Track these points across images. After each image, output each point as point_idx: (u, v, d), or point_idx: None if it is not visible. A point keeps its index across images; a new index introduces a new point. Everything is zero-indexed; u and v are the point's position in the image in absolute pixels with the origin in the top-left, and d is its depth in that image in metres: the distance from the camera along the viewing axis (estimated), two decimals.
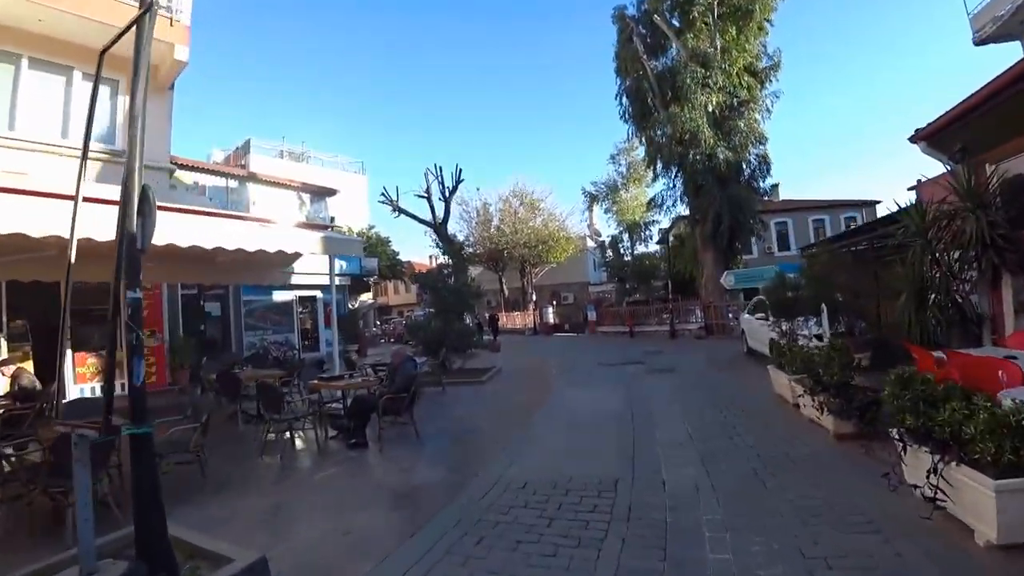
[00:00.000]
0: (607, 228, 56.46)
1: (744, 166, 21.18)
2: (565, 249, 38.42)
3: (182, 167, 20.15)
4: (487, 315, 26.17)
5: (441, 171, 21.76)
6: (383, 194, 21.94)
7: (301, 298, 22.75)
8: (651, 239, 30.63)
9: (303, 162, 38.35)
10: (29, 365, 12.00)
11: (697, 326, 21.18)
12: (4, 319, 11.54)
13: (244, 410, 9.15)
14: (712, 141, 20.15)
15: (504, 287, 41.66)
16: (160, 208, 3.65)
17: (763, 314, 12.08)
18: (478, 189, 40.30)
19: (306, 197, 23.93)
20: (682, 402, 8.88)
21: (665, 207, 23.27)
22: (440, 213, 22.02)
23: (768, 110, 21.84)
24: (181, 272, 10.34)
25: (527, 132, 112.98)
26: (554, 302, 41.01)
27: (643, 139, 24.14)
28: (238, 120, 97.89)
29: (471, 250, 41.25)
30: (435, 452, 6.90)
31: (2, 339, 11.63)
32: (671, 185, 23.01)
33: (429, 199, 21.23)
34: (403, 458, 6.65)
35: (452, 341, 13.72)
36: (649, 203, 23.57)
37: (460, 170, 21.83)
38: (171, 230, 6.49)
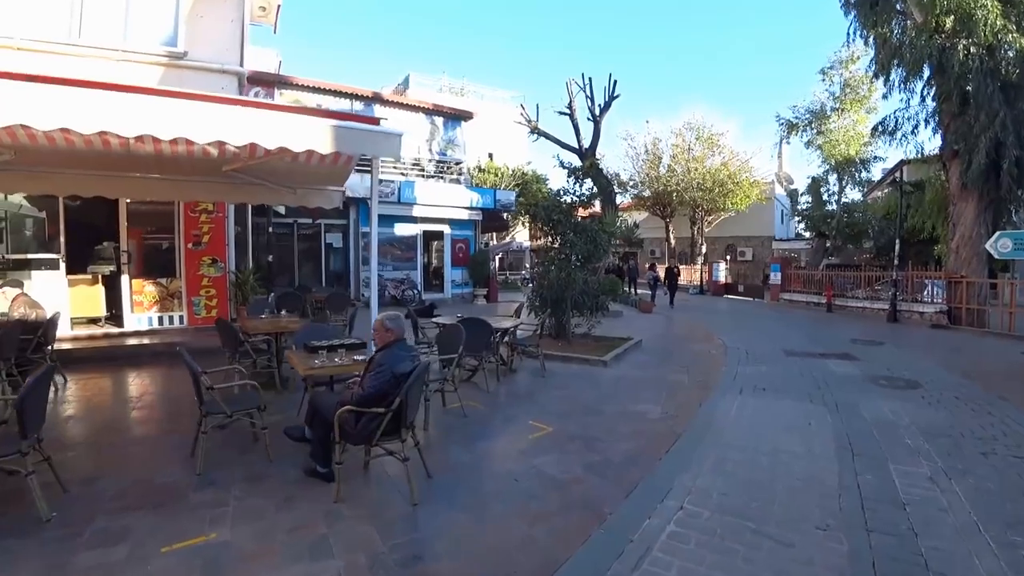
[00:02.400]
0: (807, 167, 46.66)
1: None
2: (748, 195, 31.77)
3: (302, 88, 18.40)
4: (666, 267, 20.73)
5: (591, 84, 17.44)
6: (521, 113, 18.30)
7: (426, 232, 20.49)
8: (863, 185, 22.91)
9: (463, 96, 36.29)
10: (96, 290, 10.87)
11: (935, 309, 14.81)
12: (62, 239, 10.23)
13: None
14: (997, 23, 13.09)
15: (671, 236, 36.30)
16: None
17: None
18: (647, 122, 34.94)
19: (439, 121, 21.20)
20: (970, 478, 4.30)
21: (900, 134, 16.38)
22: (587, 137, 17.88)
23: None
24: (166, 188, 7.88)
25: (709, 51, 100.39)
26: (728, 257, 34.85)
27: (871, 39, 17.19)
28: (408, 57, 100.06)
29: (634, 191, 36.38)
30: (419, 540, 3.38)
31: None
32: (914, 99, 16.06)
33: (572, 116, 17.14)
34: (352, 541, 3.26)
35: (575, 299, 10.01)
36: (874, 129, 16.83)
37: (615, 83, 17.35)
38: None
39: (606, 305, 10.86)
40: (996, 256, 13.77)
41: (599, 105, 17.55)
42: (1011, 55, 13.28)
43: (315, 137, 5.20)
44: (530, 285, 18.33)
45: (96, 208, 10.30)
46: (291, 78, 18.82)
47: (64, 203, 10.18)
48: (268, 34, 25.29)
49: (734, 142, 32.57)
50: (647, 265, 29.12)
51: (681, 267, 30.76)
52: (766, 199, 34.44)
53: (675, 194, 32.85)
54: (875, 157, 21.70)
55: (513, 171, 39.51)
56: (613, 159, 36.88)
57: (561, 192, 10.30)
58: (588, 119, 17.51)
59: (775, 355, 10.20)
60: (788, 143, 23.09)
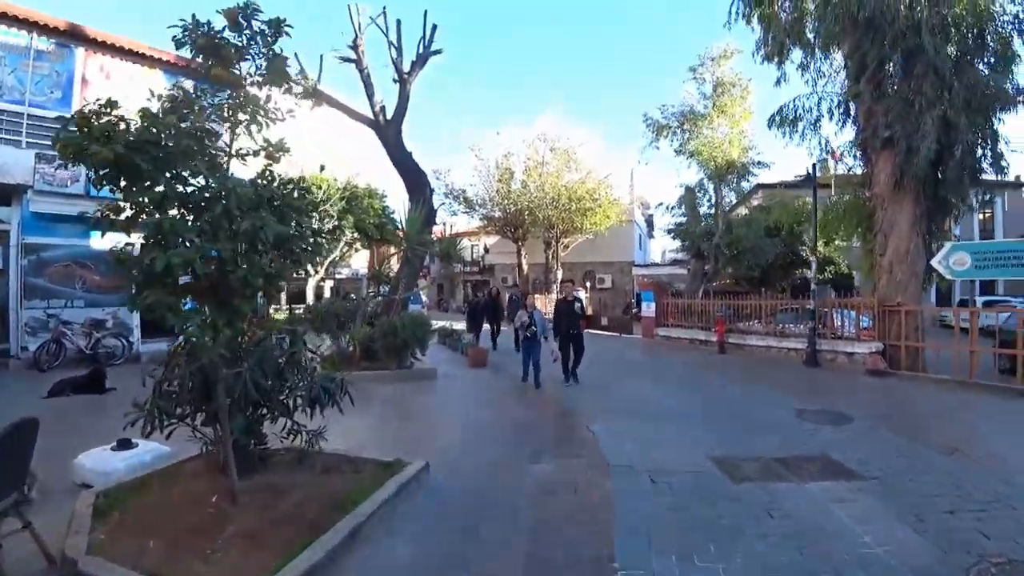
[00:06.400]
0: (675, 177, 44.38)
1: (987, 36, 10.51)
2: (607, 214, 28.10)
3: None
4: (560, 298, 12.81)
5: (398, 28, 11.75)
6: (300, 73, 11.93)
7: None
8: (740, 195, 19.63)
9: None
10: None
11: (869, 349, 10.84)
12: None
13: None
14: None
15: (523, 262, 31.71)
16: None
17: None
18: (497, 133, 30.36)
19: (189, 85, 14.17)
20: None
21: (802, 125, 12.74)
22: (386, 102, 12.10)
23: None
24: None
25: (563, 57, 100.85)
26: (587, 284, 30.88)
27: (757, 19, 13.65)
28: None
29: (482, 210, 31.50)
30: None
31: None
32: (824, 78, 12.47)
33: (359, 65, 11.19)
34: None
35: (254, 384, 3.81)
36: (771, 121, 13.09)
37: (433, 28, 11.80)
38: None
39: (340, 390, 4.73)
40: (949, 276, 10.12)
41: (411, 61, 11.86)
42: (957, 9, 9.82)
43: None
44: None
45: None
46: None
47: None
48: None
49: (593, 158, 29.02)
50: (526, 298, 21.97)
51: (536, 297, 25.53)
52: (627, 220, 31.29)
53: (527, 213, 28.41)
54: (758, 162, 18.66)
55: (343, 185, 32.95)
56: (461, 174, 31.90)
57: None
58: (394, 80, 11.72)
59: (705, 480, 4.87)
60: (657, 148, 19.34)
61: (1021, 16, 10.38)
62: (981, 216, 26.46)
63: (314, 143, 36.09)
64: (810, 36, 12.79)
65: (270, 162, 3.85)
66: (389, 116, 11.48)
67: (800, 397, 8.51)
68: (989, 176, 11.43)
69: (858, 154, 12.21)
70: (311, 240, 3.83)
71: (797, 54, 13.25)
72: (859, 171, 12.43)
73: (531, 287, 30.13)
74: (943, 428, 6.94)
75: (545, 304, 19.60)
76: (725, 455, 5.54)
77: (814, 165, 12.21)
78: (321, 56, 11.24)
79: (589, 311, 23.71)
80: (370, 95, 11.18)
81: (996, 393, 8.76)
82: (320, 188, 31.15)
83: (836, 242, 18.00)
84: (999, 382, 9.13)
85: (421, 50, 11.79)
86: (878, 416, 7.46)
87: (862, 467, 5.24)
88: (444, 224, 34.54)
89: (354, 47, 10.84)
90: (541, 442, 6.06)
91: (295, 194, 3.73)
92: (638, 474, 4.94)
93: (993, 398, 8.51)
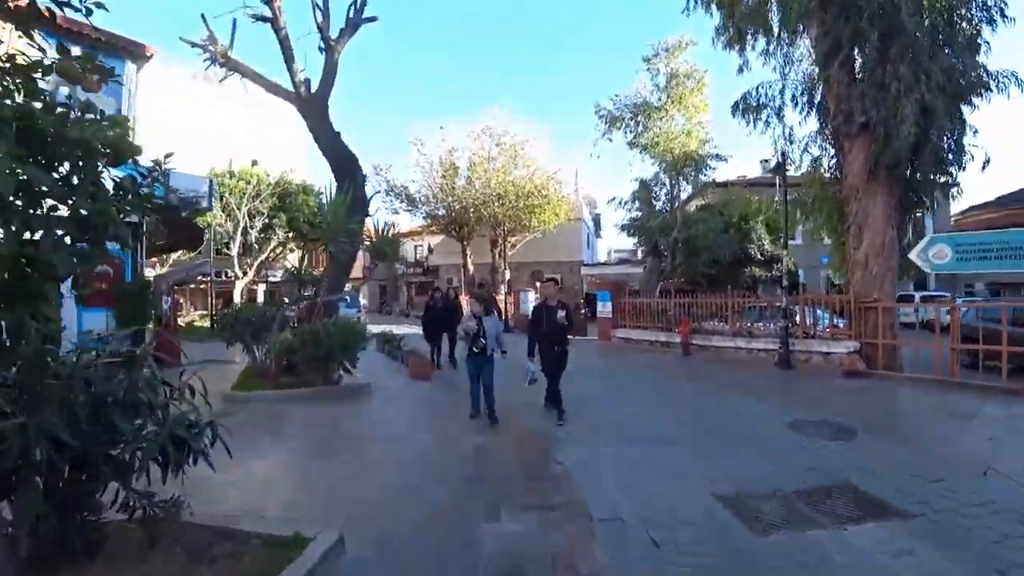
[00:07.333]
0: (628, 173, 43.57)
1: (956, 23, 10.04)
2: (556, 212, 27.07)
3: None
4: (537, 301, 11.13)
5: None
6: (205, 39, 10.15)
7: None
8: (699, 185, 18.96)
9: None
10: None
11: (847, 349, 10.14)
12: None
13: None
14: None
15: (469, 262, 30.30)
16: None
17: None
18: (441, 127, 28.76)
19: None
20: None
21: (766, 113, 12.07)
22: (309, 70, 10.57)
23: None
24: None
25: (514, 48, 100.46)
26: (536, 284, 29.78)
27: (716, 5, 12.96)
28: None
29: (426, 208, 29.95)
30: None
31: None
32: (788, 65, 11.83)
33: (275, 24, 9.56)
34: None
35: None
36: (734, 107, 12.37)
37: None
38: None
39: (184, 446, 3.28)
40: (928, 269, 9.53)
41: (339, 27, 10.37)
42: None
43: None
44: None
45: None
46: None
47: None
48: None
49: (541, 153, 27.92)
50: (466, 299, 18.44)
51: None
52: (575, 218, 30.44)
53: (473, 210, 26.99)
54: (716, 155, 18.00)
55: (276, 180, 30.74)
56: (403, 170, 30.22)
57: None
58: (320, 48, 10.20)
59: (720, 534, 3.74)
60: (610, 140, 18.45)
61: (989, 3, 9.96)
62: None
63: (248, 139, 33.72)
64: (773, 21, 12.14)
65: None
66: (314, 89, 9.92)
67: (786, 406, 7.61)
68: (952, 167, 10.99)
69: (826, 145, 11.62)
70: (113, 201, 2.32)
71: (760, 42, 12.56)
72: (825, 161, 11.85)
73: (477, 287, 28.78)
74: (956, 439, 6.13)
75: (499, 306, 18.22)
76: (732, 491, 4.44)
77: (783, 153, 11.53)
78: (234, 20, 9.57)
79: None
80: (289, 62, 9.58)
81: (982, 393, 8.15)
82: (249, 183, 29.04)
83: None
84: (984, 380, 8.53)
85: (351, 15, 10.31)
86: (879, 426, 6.61)
87: (899, 499, 4.27)
88: (388, 225, 32.72)
89: (268, 2, 9.22)
90: (499, 485, 4.76)
91: (88, 123, 2.23)
92: (633, 531, 3.74)
93: (981, 399, 7.85)
